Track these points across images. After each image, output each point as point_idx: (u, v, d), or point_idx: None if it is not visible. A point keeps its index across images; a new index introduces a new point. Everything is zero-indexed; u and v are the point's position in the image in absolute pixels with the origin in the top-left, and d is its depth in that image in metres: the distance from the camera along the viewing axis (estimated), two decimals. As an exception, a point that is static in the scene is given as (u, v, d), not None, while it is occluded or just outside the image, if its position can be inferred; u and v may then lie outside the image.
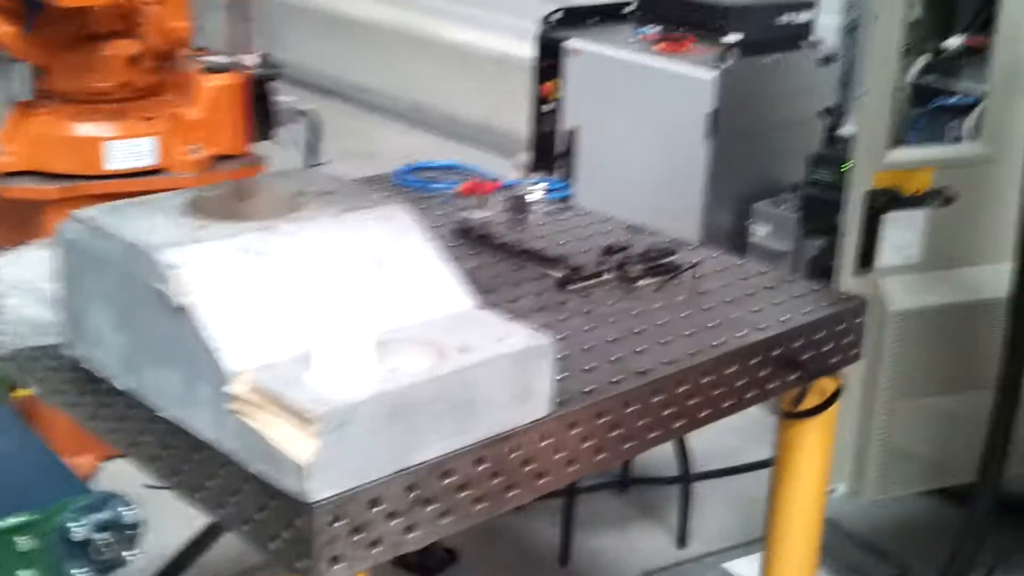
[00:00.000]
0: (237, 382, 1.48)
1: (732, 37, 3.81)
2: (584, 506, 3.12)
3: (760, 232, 3.69)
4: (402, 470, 1.50)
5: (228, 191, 1.79)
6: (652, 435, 1.80)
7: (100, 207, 1.72)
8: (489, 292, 2.06)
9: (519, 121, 5.84)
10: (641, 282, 2.13)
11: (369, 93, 6.77)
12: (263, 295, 1.56)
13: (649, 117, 3.80)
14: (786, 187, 3.72)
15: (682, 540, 3.13)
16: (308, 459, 1.41)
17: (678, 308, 2.04)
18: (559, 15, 4.14)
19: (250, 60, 3.53)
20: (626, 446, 1.77)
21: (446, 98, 6.53)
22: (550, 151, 4.08)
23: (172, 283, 1.53)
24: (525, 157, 5.58)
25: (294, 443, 1.43)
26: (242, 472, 1.50)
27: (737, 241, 3.70)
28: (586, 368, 1.80)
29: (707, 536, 3.15)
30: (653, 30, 4.00)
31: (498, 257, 2.23)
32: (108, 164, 3.18)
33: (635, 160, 3.88)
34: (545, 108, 4.08)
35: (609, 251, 2.22)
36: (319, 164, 3.71)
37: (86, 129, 3.17)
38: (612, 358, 1.84)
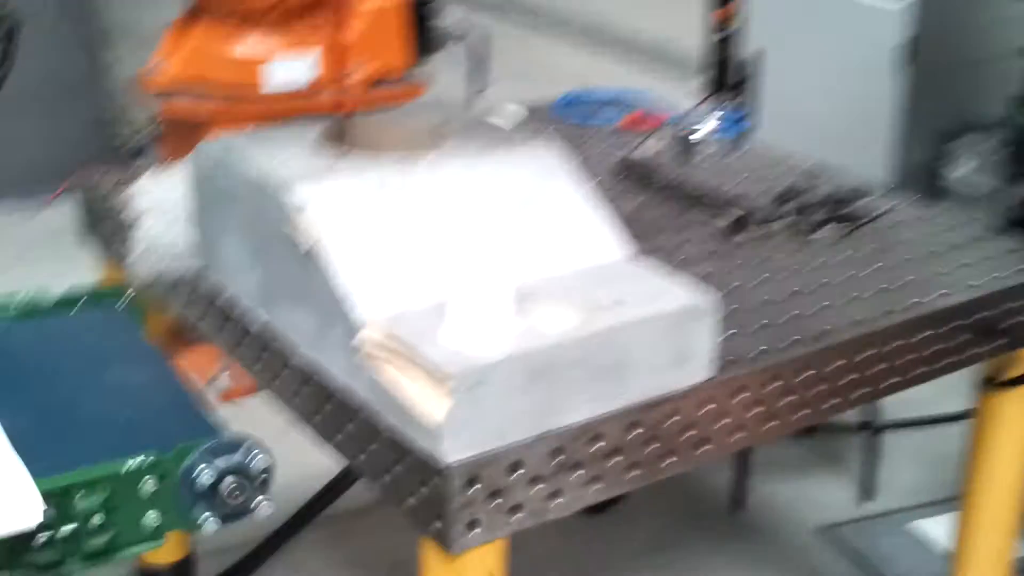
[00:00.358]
0: (367, 333, 1.36)
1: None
2: (760, 451, 2.90)
3: (957, 172, 3.39)
4: (545, 433, 1.36)
5: (370, 121, 1.67)
6: (829, 404, 1.62)
7: (232, 136, 1.61)
8: (648, 238, 1.89)
9: (695, 46, 5.61)
10: (820, 232, 1.93)
11: (540, 13, 6.59)
12: (398, 237, 1.44)
13: (834, 47, 3.53)
14: (983, 127, 3.42)
15: (866, 493, 2.90)
16: (440, 419, 1.29)
17: (862, 263, 1.84)
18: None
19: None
20: (799, 414, 1.59)
21: (620, 19, 6.31)
22: (724, 80, 3.85)
23: (299, 225, 1.41)
24: (699, 84, 5.35)
25: (426, 400, 1.30)
26: (376, 424, 1.39)
27: (929, 182, 3.42)
28: (756, 327, 1.63)
29: (892, 491, 2.91)
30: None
31: (661, 199, 2.06)
32: (266, 83, 3.11)
33: (819, 92, 3.62)
34: (721, 34, 3.84)
35: (786, 196, 2.02)
36: (482, 89, 3.57)
37: (245, 47, 3.10)
38: (785, 317, 1.66)
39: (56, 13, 4.17)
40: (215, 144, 1.59)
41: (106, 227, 1.92)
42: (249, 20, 3.13)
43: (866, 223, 1.94)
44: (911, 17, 3.31)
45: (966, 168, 3.37)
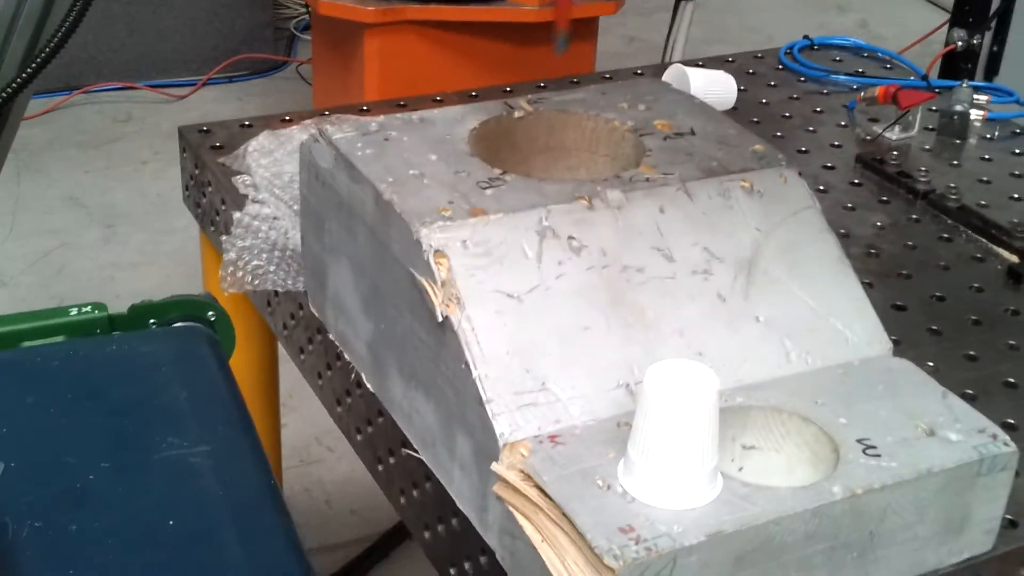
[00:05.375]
0: (509, 459, 0.96)
1: None
2: None
3: None
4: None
5: (541, 119, 1.23)
6: None
7: (362, 125, 1.19)
8: (898, 276, 1.43)
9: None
10: None
11: None
12: (565, 315, 1.02)
13: None
14: None
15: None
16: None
17: None
18: None
19: None
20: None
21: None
22: (983, 6, 3.23)
23: (436, 280, 1.00)
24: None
25: None
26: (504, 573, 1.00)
27: None
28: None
29: None
30: None
31: (919, 214, 1.57)
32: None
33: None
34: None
35: (1086, 226, 1.52)
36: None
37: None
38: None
39: None
40: (338, 134, 1.18)
41: (209, 196, 1.55)
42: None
43: None
44: None
45: None
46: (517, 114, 1.23)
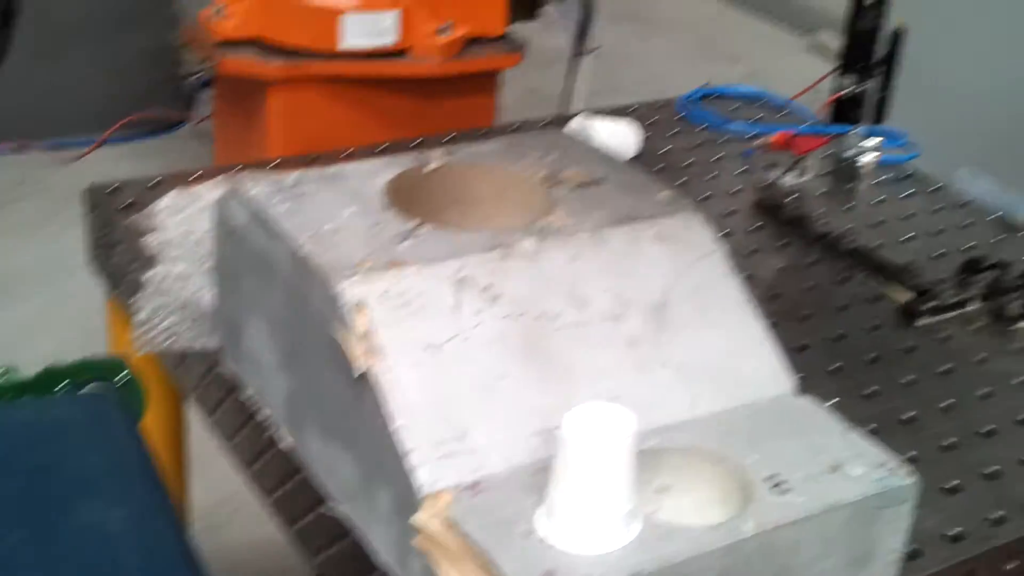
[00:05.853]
0: (428, 511, 0.97)
1: None
2: None
3: None
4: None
5: (454, 171, 1.26)
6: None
7: (276, 180, 1.21)
8: (798, 317, 1.48)
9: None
10: (1023, 323, 1.50)
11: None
12: (484, 364, 1.04)
13: (1003, 29, 3.03)
14: None
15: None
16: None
17: (1082, 382, 1.40)
18: None
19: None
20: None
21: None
22: (869, 54, 3.35)
23: (355, 333, 1.02)
24: (826, 38, 4.84)
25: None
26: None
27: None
28: (947, 487, 1.21)
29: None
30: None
31: (815, 256, 1.63)
32: (343, 40, 2.69)
33: (975, 81, 3.12)
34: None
35: (973, 265, 1.58)
36: (590, 50, 3.13)
37: (320, -4, 2.67)
38: (986, 470, 1.24)
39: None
40: (251, 191, 1.19)
41: (117, 255, 1.54)
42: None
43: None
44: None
45: None
46: (430, 167, 1.26)
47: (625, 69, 4.74)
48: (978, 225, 1.74)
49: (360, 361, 1.01)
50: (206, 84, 4.08)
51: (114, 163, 3.80)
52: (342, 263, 1.06)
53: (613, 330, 1.10)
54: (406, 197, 1.20)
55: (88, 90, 3.86)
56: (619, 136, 1.81)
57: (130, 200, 1.59)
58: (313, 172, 1.23)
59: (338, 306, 1.03)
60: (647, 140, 1.89)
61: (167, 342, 1.34)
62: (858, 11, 3.39)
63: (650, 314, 1.12)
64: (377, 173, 1.23)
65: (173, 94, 4.04)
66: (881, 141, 1.91)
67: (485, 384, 1.03)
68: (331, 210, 1.15)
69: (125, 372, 1.30)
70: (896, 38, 3.29)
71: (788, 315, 1.47)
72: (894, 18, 3.30)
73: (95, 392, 1.29)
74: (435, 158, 1.27)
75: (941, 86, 3.18)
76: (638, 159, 1.83)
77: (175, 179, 1.62)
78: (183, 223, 1.48)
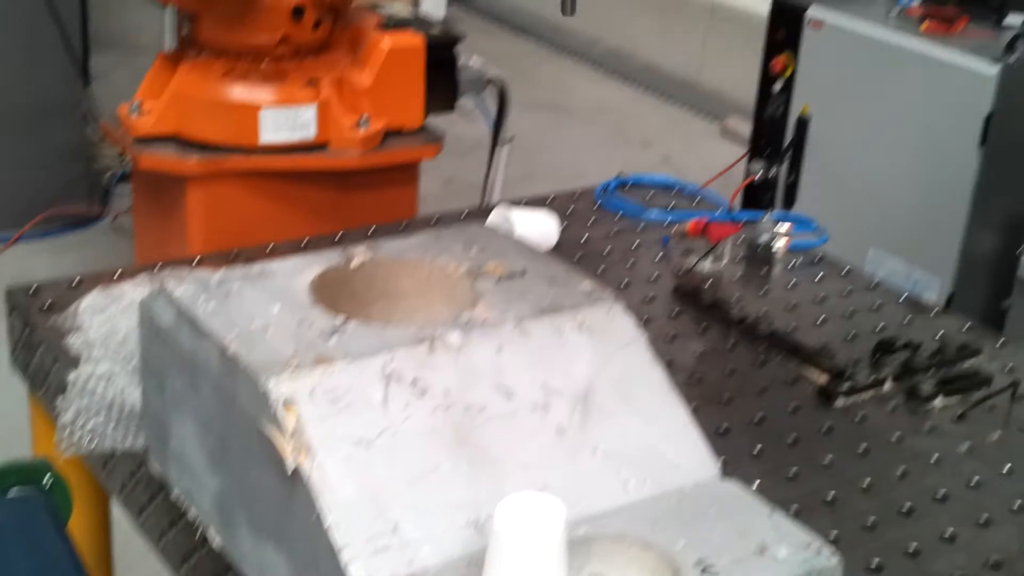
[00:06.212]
0: (363, 607, 0.97)
1: (1015, 19, 3.14)
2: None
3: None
4: None
5: (377, 267, 1.28)
6: None
7: (202, 279, 1.21)
8: (720, 400, 1.51)
9: (729, 79, 5.24)
10: (936, 402, 1.54)
11: (563, 33, 6.19)
12: (414, 458, 1.05)
13: (902, 114, 3.14)
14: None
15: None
16: None
17: (996, 456, 1.45)
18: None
19: (436, 10, 3.01)
20: None
21: (647, 46, 5.92)
22: (777, 140, 3.46)
23: (285, 430, 1.02)
24: (735, 123, 4.96)
25: None
26: None
27: (1001, 273, 3.04)
28: (871, 567, 1.24)
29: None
30: (916, 2, 3.32)
31: (733, 339, 1.67)
32: (262, 135, 2.71)
33: (879, 165, 3.23)
34: (775, 87, 3.45)
35: (886, 346, 1.63)
36: (507, 140, 3.19)
37: (238, 92, 2.70)
38: (907, 549, 1.27)
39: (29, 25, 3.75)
40: (177, 291, 1.19)
41: (39, 356, 1.53)
42: (244, 60, 2.73)
43: (994, 394, 1.56)
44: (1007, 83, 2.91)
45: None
46: (354, 263, 1.27)
47: (542, 156, 4.83)
48: (888, 306, 1.80)
49: (291, 459, 1.02)
50: (123, 179, 4.07)
51: (30, 259, 3.76)
52: (270, 361, 1.07)
53: (540, 420, 1.12)
54: (331, 293, 1.22)
55: (3, 186, 3.83)
56: (539, 226, 1.85)
57: (50, 300, 1.58)
58: (238, 270, 1.24)
59: (267, 404, 1.04)
60: (566, 229, 1.93)
61: (92, 444, 1.33)
62: (765, 98, 3.52)
63: (576, 403, 1.15)
64: (302, 270, 1.24)
65: (90, 189, 4.02)
66: (792, 226, 1.96)
67: (416, 477, 1.04)
68: (258, 308, 1.16)
69: (51, 474, 1.28)
70: (802, 124, 3.42)
71: (710, 399, 1.50)
72: (800, 105, 3.44)
73: (21, 495, 1.27)
74: (359, 254, 1.29)
75: (844, 171, 3.29)
76: (558, 248, 1.86)
77: (96, 278, 1.62)
78: (106, 322, 1.48)
